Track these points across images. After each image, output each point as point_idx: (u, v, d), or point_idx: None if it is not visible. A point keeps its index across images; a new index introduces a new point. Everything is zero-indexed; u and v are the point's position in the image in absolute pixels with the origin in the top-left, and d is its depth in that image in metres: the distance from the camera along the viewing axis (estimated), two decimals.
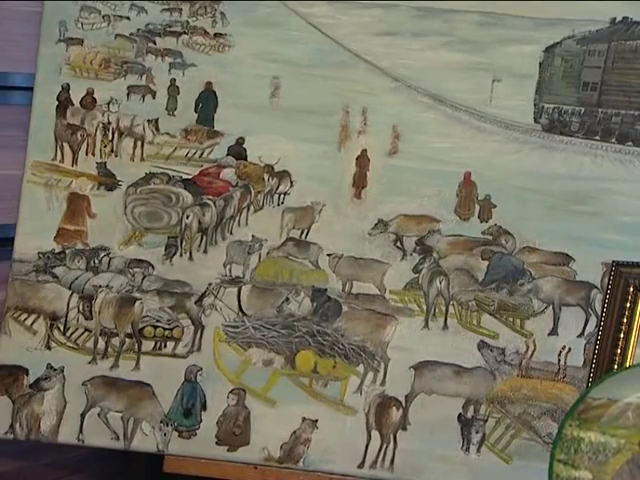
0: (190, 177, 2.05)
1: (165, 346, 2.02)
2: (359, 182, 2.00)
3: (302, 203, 2.02)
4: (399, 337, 1.97)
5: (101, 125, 2.06)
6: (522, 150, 1.96)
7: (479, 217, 1.97)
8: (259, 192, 2.04)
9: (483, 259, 1.97)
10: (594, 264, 1.92)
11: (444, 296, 1.97)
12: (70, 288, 2.02)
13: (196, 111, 2.05)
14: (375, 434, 1.96)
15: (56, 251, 2.04)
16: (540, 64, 1.95)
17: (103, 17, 2.06)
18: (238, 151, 2.04)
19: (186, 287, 2.02)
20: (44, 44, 2.06)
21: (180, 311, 2.02)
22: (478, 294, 1.97)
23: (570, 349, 1.92)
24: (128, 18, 2.06)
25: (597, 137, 1.95)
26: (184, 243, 2.04)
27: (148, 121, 2.05)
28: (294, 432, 1.97)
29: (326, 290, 2.00)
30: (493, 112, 1.96)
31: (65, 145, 2.06)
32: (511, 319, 1.95)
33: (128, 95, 2.06)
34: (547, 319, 1.94)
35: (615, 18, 1.91)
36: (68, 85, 2.06)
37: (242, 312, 2.01)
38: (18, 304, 2.03)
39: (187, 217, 2.04)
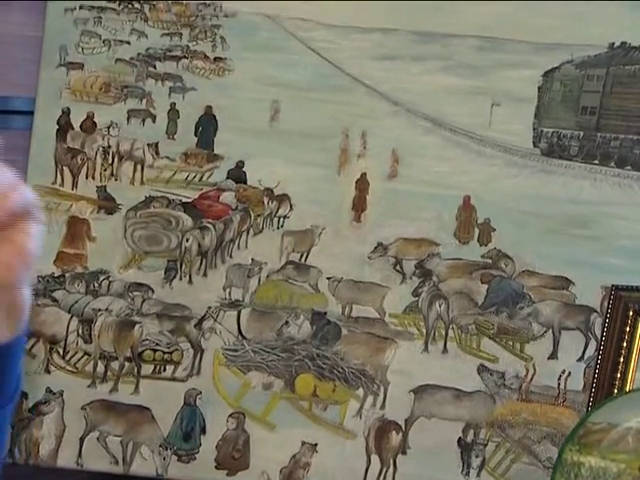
0: (190, 200, 2.05)
1: (164, 370, 2.01)
2: (359, 205, 2.00)
3: (302, 226, 2.01)
4: (399, 361, 1.97)
5: (101, 149, 2.06)
6: (521, 174, 1.96)
7: (478, 240, 1.97)
8: (259, 215, 2.04)
9: (483, 282, 1.97)
10: (593, 288, 1.92)
11: (444, 319, 1.97)
12: (69, 312, 2.02)
13: (196, 135, 2.05)
14: (375, 458, 1.95)
15: (55, 275, 2.03)
16: (539, 88, 1.96)
17: (103, 42, 2.07)
18: (238, 174, 2.04)
19: (186, 310, 2.02)
20: (45, 68, 2.06)
21: (180, 334, 2.01)
22: (478, 317, 1.96)
23: (570, 373, 1.92)
24: (128, 42, 2.07)
25: (596, 161, 1.95)
26: (184, 266, 2.03)
27: (148, 145, 2.05)
28: (293, 456, 1.96)
29: (326, 313, 1.99)
30: (492, 136, 1.96)
31: (65, 169, 2.06)
32: (511, 343, 1.95)
33: (128, 119, 2.06)
34: (547, 343, 1.94)
35: (613, 43, 1.92)
36: (68, 109, 2.06)
37: (242, 335, 2.00)
38: None
39: (187, 240, 2.03)
